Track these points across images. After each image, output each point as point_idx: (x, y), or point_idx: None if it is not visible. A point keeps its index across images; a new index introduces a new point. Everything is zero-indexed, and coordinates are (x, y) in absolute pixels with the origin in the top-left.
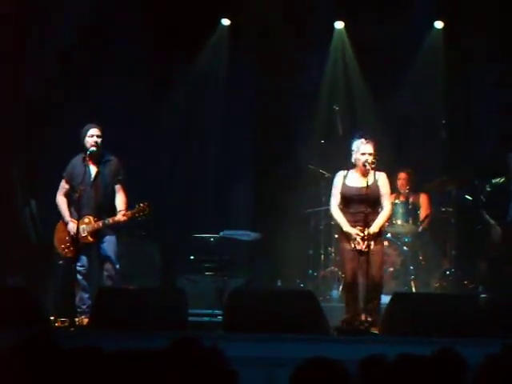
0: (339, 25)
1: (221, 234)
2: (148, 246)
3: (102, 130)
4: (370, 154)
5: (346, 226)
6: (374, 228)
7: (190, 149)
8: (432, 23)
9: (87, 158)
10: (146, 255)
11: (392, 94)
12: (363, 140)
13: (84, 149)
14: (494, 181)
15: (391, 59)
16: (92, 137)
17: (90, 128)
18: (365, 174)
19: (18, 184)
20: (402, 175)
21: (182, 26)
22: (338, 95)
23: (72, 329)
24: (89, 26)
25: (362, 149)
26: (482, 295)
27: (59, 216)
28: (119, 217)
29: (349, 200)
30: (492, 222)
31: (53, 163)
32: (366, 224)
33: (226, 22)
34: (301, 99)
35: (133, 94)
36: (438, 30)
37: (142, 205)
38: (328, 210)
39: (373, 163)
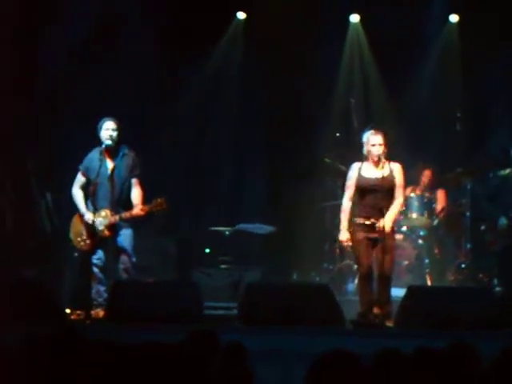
0: (355, 18)
1: (236, 227)
2: (163, 240)
3: (118, 124)
4: (380, 145)
5: (343, 229)
6: (388, 222)
7: (204, 143)
8: (447, 17)
9: (104, 152)
10: (161, 248)
11: (407, 88)
12: (372, 131)
13: (100, 142)
14: (501, 173)
15: (407, 53)
16: (107, 130)
17: (106, 121)
18: (378, 165)
19: (34, 177)
20: (427, 172)
21: (198, 20)
22: (354, 88)
23: (88, 321)
24: (102, 23)
25: (372, 140)
26: (497, 288)
27: (75, 208)
28: (136, 211)
29: (364, 191)
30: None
31: (68, 156)
32: (381, 216)
33: (241, 15)
34: (316, 92)
35: (147, 88)
36: (453, 23)
37: (159, 200)
38: None
39: (384, 153)
